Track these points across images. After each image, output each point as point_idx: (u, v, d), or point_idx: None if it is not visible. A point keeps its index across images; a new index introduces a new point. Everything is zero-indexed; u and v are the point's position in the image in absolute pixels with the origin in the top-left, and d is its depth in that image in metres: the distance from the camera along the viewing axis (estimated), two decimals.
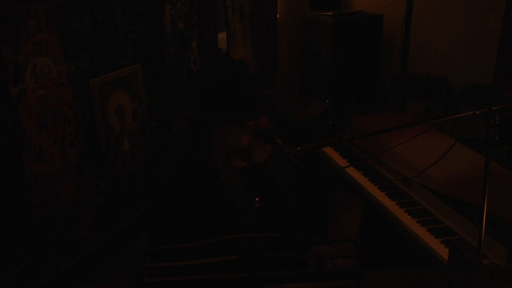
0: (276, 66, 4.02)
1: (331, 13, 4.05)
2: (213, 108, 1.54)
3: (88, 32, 2.23)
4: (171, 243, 1.55)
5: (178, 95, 2.85)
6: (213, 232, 1.53)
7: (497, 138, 1.48)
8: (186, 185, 1.56)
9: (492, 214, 1.74)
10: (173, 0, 2.75)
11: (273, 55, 3.94)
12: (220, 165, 1.59)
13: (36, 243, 2.05)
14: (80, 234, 2.27)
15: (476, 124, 1.78)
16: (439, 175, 2.05)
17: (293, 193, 1.81)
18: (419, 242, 1.85)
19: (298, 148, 1.60)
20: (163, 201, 1.61)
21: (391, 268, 1.16)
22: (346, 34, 4.07)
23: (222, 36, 3.35)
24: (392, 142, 2.23)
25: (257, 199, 1.68)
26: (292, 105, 3.84)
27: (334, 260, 1.78)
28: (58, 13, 2.04)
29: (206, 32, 3.04)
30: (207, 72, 1.66)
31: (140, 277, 1.03)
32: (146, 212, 2.66)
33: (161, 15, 2.67)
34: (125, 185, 2.54)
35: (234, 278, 1.03)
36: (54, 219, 2.12)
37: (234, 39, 3.46)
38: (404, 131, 2.05)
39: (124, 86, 2.47)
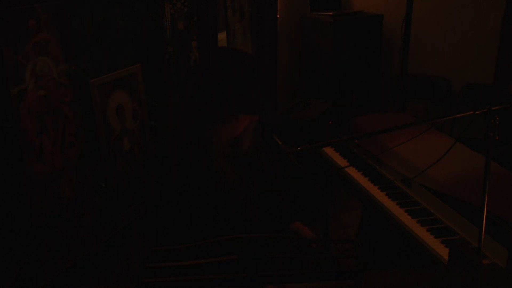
0: (276, 66, 4.02)
1: (331, 13, 4.06)
2: (218, 98, 1.56)
3: (88, 32, 2.23)
4: (171, 242, 1.56)
5: (178, 95, 2.85)
6: (213, 226, 1.54)
7: (497, 138, 1.48)
8: (185, 181, 1.57)
9: (492, 214, 1.74)
10: (173, 0, 2.75)
11: (273, 55, 3.94)
12: (216, 156, 1.61)
13: (36, 243, 2.05)
14: (80, 234, 2.27)
15: (476, 124, 1.78)
16: (439, 175, 2.05)
17: (285, 185, 1.85)
18: (419, 242, 1.85)
19: (298, 148, 1.61)
20: (162, 200, 1.61)
21: (391, 268, 1.16)
22: (346, 34, 4.07)
23: (222, 36, 3.35)
24: (392, 142, 2.23)
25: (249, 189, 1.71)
26: (292, 105, 3.84)
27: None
28: (58, 13, 2.04)
29: (206, 32, 3.04)
30: (212, 62, 1.67)
31: (140, 277, 1.03)
32: (145, 213, 2.66)
33: (161, 15, 2.67)
34: (125, 185, 2.54)
35: (234, 278, 1.03)
36: (54, 219, 2.12)
37: (234, 39, 3.46)
38: (404, 131, 2.05)
39: (124, 86, 2.47)
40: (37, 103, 1.98)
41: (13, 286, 1.93)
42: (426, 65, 4.23)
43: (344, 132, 2.76)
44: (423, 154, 2.18)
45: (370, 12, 4.30)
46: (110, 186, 2.44)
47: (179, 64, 2.86)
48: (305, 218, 2.00)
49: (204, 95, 1.60)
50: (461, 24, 4.04)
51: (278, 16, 3.97)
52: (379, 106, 4.48)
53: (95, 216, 2.35)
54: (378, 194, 2.17)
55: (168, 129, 1.83)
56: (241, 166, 1.71)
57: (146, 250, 1.05)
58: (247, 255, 1.01)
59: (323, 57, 4.14)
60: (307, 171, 1.64)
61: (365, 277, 1.06)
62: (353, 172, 2.39)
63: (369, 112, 4.03)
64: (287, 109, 3.78)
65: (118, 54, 2.43)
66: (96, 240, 2.37)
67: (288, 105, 3.88)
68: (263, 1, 3.71)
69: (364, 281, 1.07)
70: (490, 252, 1.68)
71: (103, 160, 2.38)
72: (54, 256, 2.14)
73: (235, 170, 1.66)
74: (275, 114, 3.80)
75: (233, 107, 1.57)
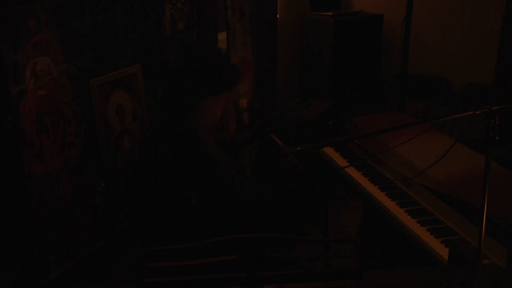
0: (276, 66, 4.02)
1: (331, 13, 4.05)
2: (191, 86, 1.70)
3: (88, 32, 2.23)
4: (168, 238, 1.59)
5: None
6: (212, 212, 1.57)
7: (497, 138, 1.48)
8: (183, 173, 1.60)
9: (492, 214, 1.74)
10: (173, 0, 2.75)
11: (273, 55, 3.94)
12: (207, 142, 1.66)
13: (36, 243, 2.05)
14: (80, 234, 2.27)
15: (476, 124, 1.78)
16: (439, 175, 2.05)
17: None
18: (419, 242, 1.85)
19: (298, 148, 1.61)
20: (159, 197, 1.63)
21: (391, 268, 1.16)
22: (346, 34, 4.07)
23: (222, 36, 3.35)
24: (392, 142, 2.23)
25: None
26: (292, 105, 3.84)
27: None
28: (58, 13, 2.04)
29: (206, 32, 3.04)
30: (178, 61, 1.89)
31: (140, 277, 1.03)
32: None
33: (161, 15, 2.67)
34: (125, 185, 2.54)
35: (234, 278, 1.03)
36: (54, 219, 2.12)
37: (234, 39, 3.46)
38: (404, 131, 2.05)
39: (124, 86, 2.47)
40: (37, 103, 1.98)
41: (13, 286, 1.93)
42: (426, 65, 4.23)
43: (344, 132, 2.76)
44: (423, 154, 2.18)
45: (370, 12, 4.30)
46: (110, 186, 2.44)
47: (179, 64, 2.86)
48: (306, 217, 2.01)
49: (173, 88, 1.74)
50: (461, 24, 4.03)
51: (278, 16, 3.97)
52: (379, 106, 4.48)
53: (95, 216, 2.35)
54: (378, 194, 2.17)
55: (155, 127, 1.90)
56: (230, 152, 1.76)
57: (146, 250, 1.05)
58: (247, 255, 1.01)
59: (323, 57, 4.14)
60: (307, 171, 1.66)
61: (365, 277, 1.06)
62: (353, 172, 2.39)
63: (369, 112, 4.03)
64: (287, 109, 3.78)
65: (118, 54, 2.42)
66: (96, 240, 2.37)
67: (288, 105, 3.88)
68: (263, 1, 3.71)
69: (364, 281, 1.07)
70: (490, 252, 1.68)
71: (103, 160, 2.38)
72: (54, 256, 2.14)
73: (226, 155, 1.71)
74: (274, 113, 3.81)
75: (202, 92, 1.69)
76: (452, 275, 1.16)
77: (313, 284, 1.09)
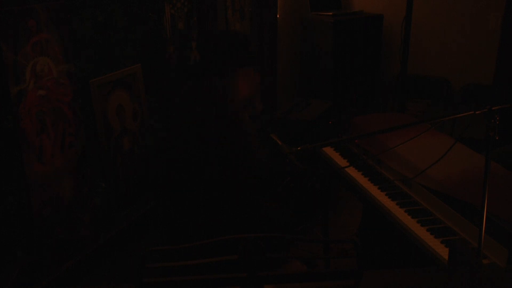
0: (276, 66, 4.02)
1: (331, 13, 4.06)
2: (225, 52, 1.70)
3: (88, 32, 2.23)
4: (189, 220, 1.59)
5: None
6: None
7: (497, 138, 1.48)
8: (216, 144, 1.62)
9: (492, 214, 1.74)
10: (173, 0, 2.75)
11: (273, 55, 3.94)
12: (240, 113, 1.72)
13: (36, 243, 2.05)
14: (80, 234, 2.27)
15: (476, 124, 1.78)
16: (439, 175, 2.05)
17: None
18: (419, 242, 1.85)
19: (298, 148, 1.61)
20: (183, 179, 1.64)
21: (391, 268, 1.16)
22: (346, 34, 4.07)
23: None
24: (392, 142, 2.23)
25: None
26: (292, 105, 3.84)
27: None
28: (58, 13, 2.04)
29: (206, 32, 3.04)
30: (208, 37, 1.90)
31: (140, 277, 1.03)
32: (146, 212, 2.67)
33: (161, 15, 2.67)
34: (125, 185, 2.54)
35: (234, 278, 1.03)
36: (54, 219, 2.12)
37: None
38: (404, 131, 2.05)
39: (124, 86, 2.47)
40: (37, 103, 1.98)
41: (13, 286, 1.93)
42: (426, 65, 4.24)
43: (344, 132, 2.76)
44: (423, 154, 2.18)
45: (370, 12, 4.30)
46: (110, 186, 2.44)
47: (179, 64, 2.86)
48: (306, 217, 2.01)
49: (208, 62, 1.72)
50: (461, 24, 4.04)
51: (278, 16, 3.97)
52: (379, 106, 4.48)
53: (95, 216, 2.35)
54: (378, 194, 2.17)
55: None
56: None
57: (146, 250, 1.05)
58: (247, 255, 1.01)
59: (323, 57, 4.15)
60: (307, 171, 1.66)
61: (365, 277, 1.06)
62: (353, 172, 2.38)
63: (369, 112, 4.03)
64: (287, 109, 3.78)
65: (118, 54, 2.43)
66: (96, 240, 2.37)
67: (288, 105, 3.88)
68: (263, 1, 3.71)
69: (364, 281, 1.07)
70: (490, 252, 1.68)
71: (103, 160, 2.38)
72: (54, 256, 2.14)
73: (253, 130, 1.75)
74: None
75: (237, 60, 1.69)
76: (452, 275, 1.16)
77: (313, 284, 1.09)
